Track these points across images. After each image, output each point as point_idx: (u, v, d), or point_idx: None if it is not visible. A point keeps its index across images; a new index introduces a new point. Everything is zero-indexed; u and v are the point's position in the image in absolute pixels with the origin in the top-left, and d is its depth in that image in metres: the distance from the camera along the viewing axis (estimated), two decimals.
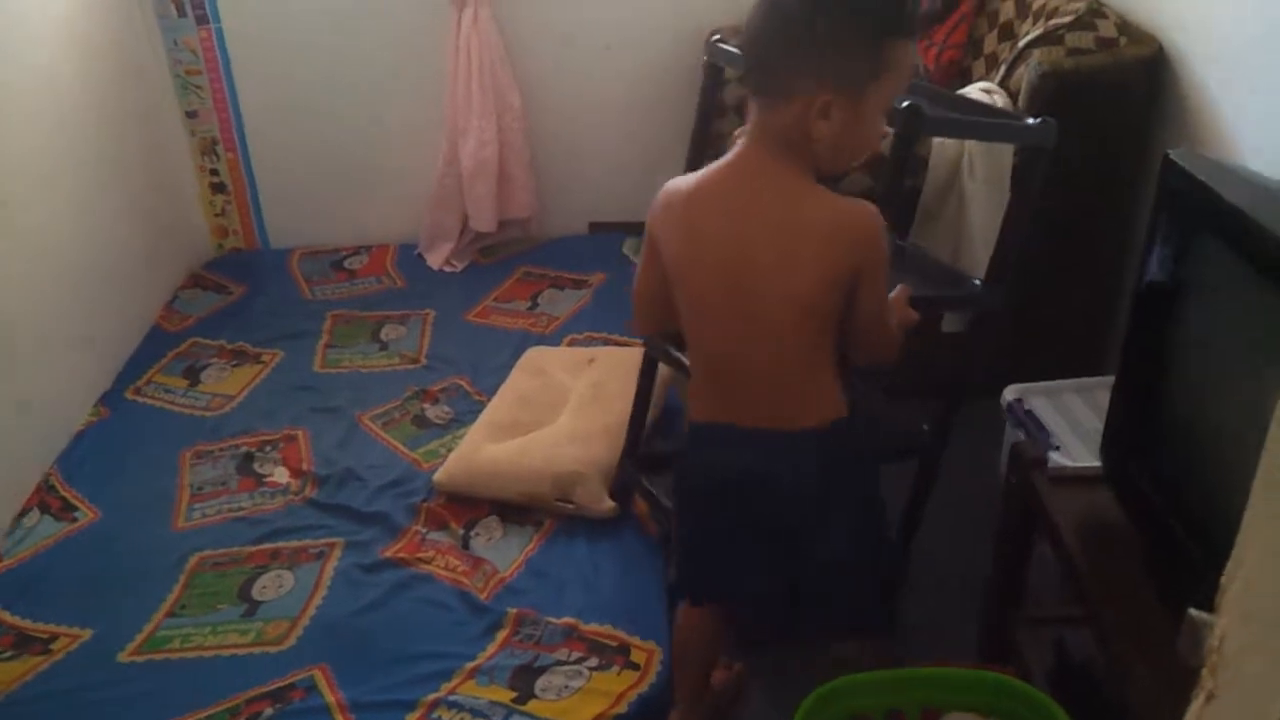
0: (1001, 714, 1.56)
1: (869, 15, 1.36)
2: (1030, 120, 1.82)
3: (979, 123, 2.00)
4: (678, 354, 2.15)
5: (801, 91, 1.37)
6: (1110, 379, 1.78)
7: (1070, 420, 2.01)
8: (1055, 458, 1.82)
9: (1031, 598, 1.92)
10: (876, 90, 1.38)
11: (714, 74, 2.04)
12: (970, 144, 2.34)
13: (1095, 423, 2.00)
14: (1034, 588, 1.91)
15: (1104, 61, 2.36)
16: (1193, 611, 0.89)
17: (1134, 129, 2.46)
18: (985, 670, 1.62)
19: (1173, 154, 1.53)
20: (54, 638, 2.04)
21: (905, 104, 1.61)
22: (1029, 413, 2.05)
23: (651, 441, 2.41)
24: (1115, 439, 1.69)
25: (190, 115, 3.35)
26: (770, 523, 1.58)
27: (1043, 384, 2.12)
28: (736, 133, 2.63)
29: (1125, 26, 2.42)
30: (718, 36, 1.96)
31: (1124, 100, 2.42)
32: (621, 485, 2.31)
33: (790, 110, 1.38)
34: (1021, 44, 2.45)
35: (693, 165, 2.12)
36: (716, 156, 1.54)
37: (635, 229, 3.39)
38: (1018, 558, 1.83)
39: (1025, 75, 2.37)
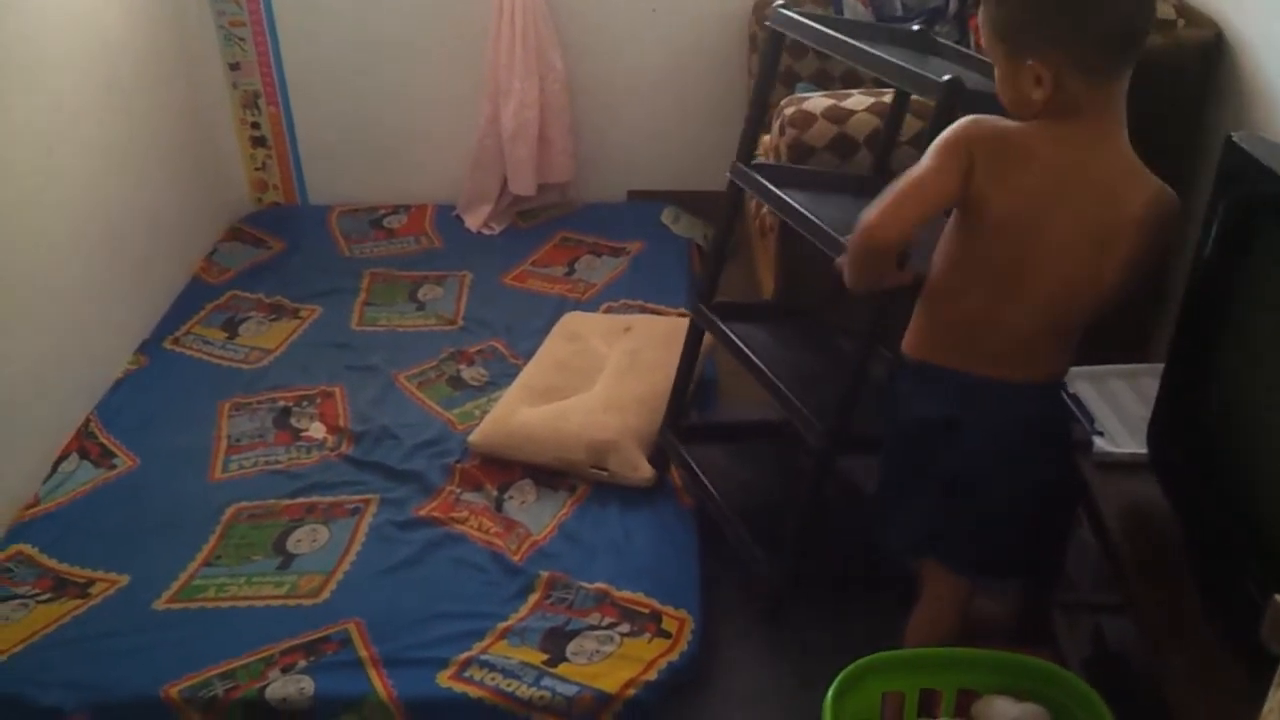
0: (1038, 699, 1.56)
1: None
2: None
3: None
4: (724, 326, 2.14)
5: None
6: (1157, 366, 1.75)
7: (1115, 406, 1.98)
8: (1099, 443, 1.79)
9: (1068, 583, 1.91)
10: None
11: (777, 41, 2.02)
12: None
13: (1141, 409, 1.97)
14: (1072, 573, 1.90)
15: (1161, 44, 2.32)
16: (1278, 597, 0.88)
17: (1189, 114, 2.41)
18: (1023, 654, 1.61)
19: (1235, 136, 1.50)
20: (91, 582, 2.07)
21: (947, 78, 1.62)
22: (1074, 397, 2.03)
23: (686, 413, 2.41)
24: (1163, 426, 1.66)
25: (233, 68, 3.34)
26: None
27: (1087, 369, 2.09)
28: (784, 102, 2.61)
29: (1184, 9, 2.38)
30: (781, 2, 1.94)
31: (1180, 84, 2.37)
32: (660, 454, 2.30)
33: (1124, 83, 1.47)
34: None
35: (750, 136, 2.10)
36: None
37: (674, 197, 3.40)
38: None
39: None
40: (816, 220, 1.85)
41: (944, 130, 1.51)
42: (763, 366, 2.02)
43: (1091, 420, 1.99)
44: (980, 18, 1.52)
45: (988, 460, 1.60)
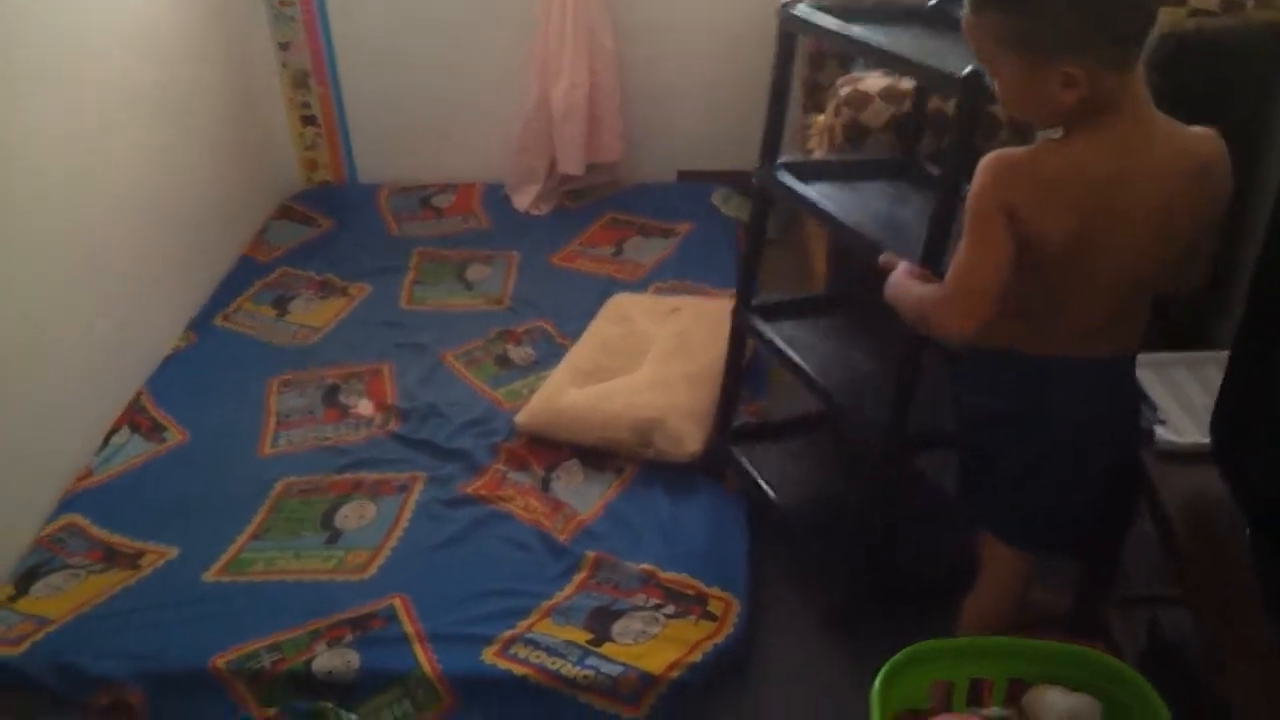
0: (1091, 690, 1.52)
1: None
2: None
3: None
4: (766, 328, 2.10)
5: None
6: (1221, 354, 1.71)
7: (1178, 395, 1.93)
8: (1161, 433, 1.75)
9: (1124, 576, 1.88)
10: None
11: (789, 40, 1.96)
12: None
13: (1204, 399, 1.93)
14: (1128, 565, 1.87)
15: (1230, 25, 2.26)
16: None
17: (1259, 97, 2.35)
18: (1077, 645, 1.58)
19: None
20: (141, 554, 2.09)
21: (967, 71, 1.54)
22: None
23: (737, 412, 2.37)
24: (1227, 416, 1.62)
25: (283, 47, 3.35)
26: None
27: (1150, 355, 2.04)
28: (840, 81, 2.57)
29: None
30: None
31: (1249, 66, 2.31)
32: (714, 459, 2.27)
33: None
34: None
35: (773, 133, 2.05)
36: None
37: (724, 178, 3.37)
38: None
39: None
40: (851, 226, 1.82)
41: (972, 184, 1.41)
42: (810, 373, 1.98)
43: (1154, 408, 1.95)
44: (975, 27, 1.40)
45: (1069, 440, 1.56)
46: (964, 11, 1.40)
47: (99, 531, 2.14)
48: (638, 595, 1.96)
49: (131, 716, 1.82)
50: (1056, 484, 1.58)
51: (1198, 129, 1.44)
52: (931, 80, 1.73)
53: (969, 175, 1.44)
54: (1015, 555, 1.67)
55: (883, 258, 1.68)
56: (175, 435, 2.40)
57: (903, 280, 1.60)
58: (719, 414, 2.32)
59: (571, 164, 3.30)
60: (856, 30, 1.81)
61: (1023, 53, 1.35)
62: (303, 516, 2.16)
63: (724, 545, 2.08)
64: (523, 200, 3.35)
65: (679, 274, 2.96)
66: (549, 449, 2.32)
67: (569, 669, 1.80)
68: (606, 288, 2.88)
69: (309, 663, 1.82)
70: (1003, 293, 1.41)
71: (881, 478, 1.89)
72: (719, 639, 1.88)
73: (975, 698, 1.59)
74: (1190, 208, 1.43)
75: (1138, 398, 1.60)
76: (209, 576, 2.03)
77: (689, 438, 2.26)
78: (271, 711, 1.80)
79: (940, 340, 1.59)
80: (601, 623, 1.90)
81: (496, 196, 3.40)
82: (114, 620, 1.94)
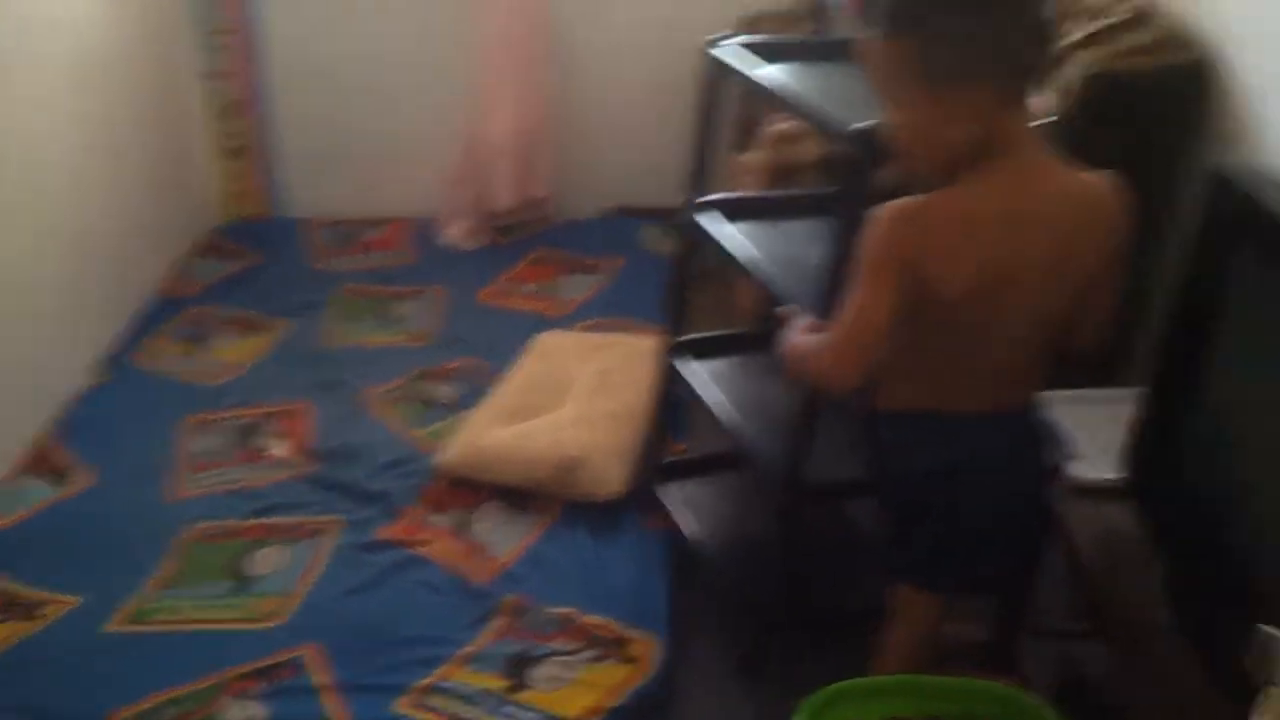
0: None
1: None
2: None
3: None
4: (683, 368, 2.10)
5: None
6: (1132, 392, 1.73)
7: (1090, 431, 1.95)
8: (1074, 468, 1.76)
9: (1037, 610, 1.87)
10: None
11: (714, 82, 1.95)
12: None
13: (1115, 435, 1.94)
14: (1041, 600, 1.87)
15: (1152, 65, 2.30)
16: (1263, 627, 0.86)
17: (1173, 138, 2.39)
18: (993, 682, 1.57)
19: (1220, 165, 1.48)
20: (42, 603, 2.01)
21: (857, 127, 1.51)
22: (1048, 422, 2.00)
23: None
24: (1141, 452, 1.63)
25: (210, 77, 3.29)
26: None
27: (1062, 393, 2.06)
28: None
29: (1173, 31, 2.35)
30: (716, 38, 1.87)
31: (1169, 106, 2.35)
32: (644, 498, 2.25)
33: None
34: (1067, 41, 2.38)
35: (696, 174, 2.04)
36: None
37: (654, 214, 3.36)
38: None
39: (1072, 74, 2.31)
40: (756, 272, 1.83)
41: (866, 234, 1.39)
42: (722, 414, 1.97)
43: (1066, 445, 1.96)
44: (871, 54, 1.37)
45: (989, 491, 1.55)
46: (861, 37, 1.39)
47: None
48: (557, 639, 1.92)
49: None
50: (978, 533, 1.57)
51: (1092, 174, 1.43)
52: (824, 130, 1.70)
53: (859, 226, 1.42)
54: (931, 597, 1.66)
55: (781, 309, 1.67)
56: (82, 478, 2.32)
57: (794, 336, 1.59)
58: (644, 452, 2.29)
59: (504, 198, 3.27)
60: (760, 73, 1.80)
61: (920, 83, 1.32)
62: (212, 563, 2.10)
63: (646, 586, 2.05)
64: (454, 234, 3.32)
65: (606, 311, 2.94)
66: (470, 490, 2.28)
67: (484, 719, 1.76)
68: (535, 324, 2.85)
69: (212, 718, 1.76)
70: (884, 343, 1.40)
71: (782, 525, 1.88)
72: (639, 681, 1.84)
73: None
74: (1085, 253, 1.42)
75: (1044, 440, 1.60)
76: (110, 627, 1.95)
77: (613, 477, 2.24)
78: None
79: (828, 390, 1.58)
80: (519, 669, 1.86)
81: (425, 231, 3.36)
82: (11, 673, 1.86)
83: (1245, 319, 1.44)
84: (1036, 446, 1.59)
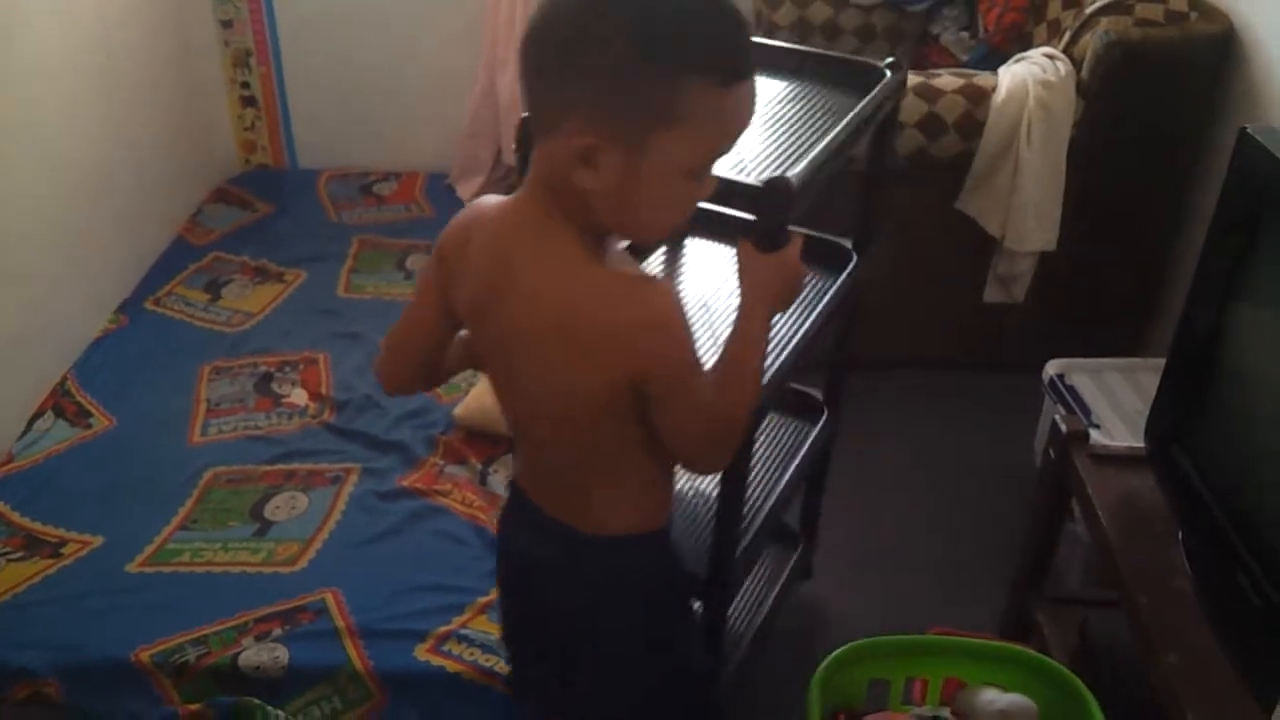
0: (1026, 692, 1.54)
1: (660, 41, 0.99)
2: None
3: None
4: None
5: (563, 126, 1.04)
6: (1155, 361, 1.74)
7: (1111, 400, 1.97)
8: (1095, 436, 1.78)
9: (1056, 578, 1.90)
10: (666, 143, 1.02)
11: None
12: (1031, 110, 2.27)
13: (1138, 404, 1.96)
14: (1060, 568, 1.89)
15: (1173, 35, 2.30)
16: None
17: (1198, 106, 2.40)
18: (1014, 645, 1.59)
19: (1250, 129, 1.48)
20: (64, 542, 2.02)
21: (769, 178, 1.23)
22: (1070, 388, 2.01)
23: None
24: (1162, 420, 1.64)
25: (225, 25, 3.28)
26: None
27: (1084, 361, 2.07)
28: None
29: (1196, 1, 2.35)
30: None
31: (1190, 76, 2.36)
32: None
33: (551, 147, 1.07)
34: (1089, 10, 2.38)
35: None
36: None
37: None
38: (1050, 535, 1.79)
39: (1091, 43, 2.31)
40: None
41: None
42: None
43: (1088, 413, 1.98)
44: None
45: (583, 618, 1.34)
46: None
47: (20, 519, 2.07)
48: None
49: (50, 709, 1.76)
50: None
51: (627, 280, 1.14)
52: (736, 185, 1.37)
53: None
54: None
55: None
56: (101, 421, 2.33)
57: None
58: None
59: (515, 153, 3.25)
60: None
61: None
62: (231, 507, 2.11)
63: None
64: (467, 190, 3.31)
65: None
66: (487, 442, 2.29)
67: (503, 666, 1.77)
68: None
69: (236, 657, 1.78)
70: (421, 361, 1.33)
71: None
72: None
73: (910, 697, 1.60)
74: (608, 361, 1.12)
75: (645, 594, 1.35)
76: (133, 567, 1.97)
77: None
78: (195, 706, 1.75)
79: None
80: None
81: (440, 186, 3.35)
82: (34, 610, 1.87)
83: (1272, 284, 1.44)
84: (630, 596, 1.34)
